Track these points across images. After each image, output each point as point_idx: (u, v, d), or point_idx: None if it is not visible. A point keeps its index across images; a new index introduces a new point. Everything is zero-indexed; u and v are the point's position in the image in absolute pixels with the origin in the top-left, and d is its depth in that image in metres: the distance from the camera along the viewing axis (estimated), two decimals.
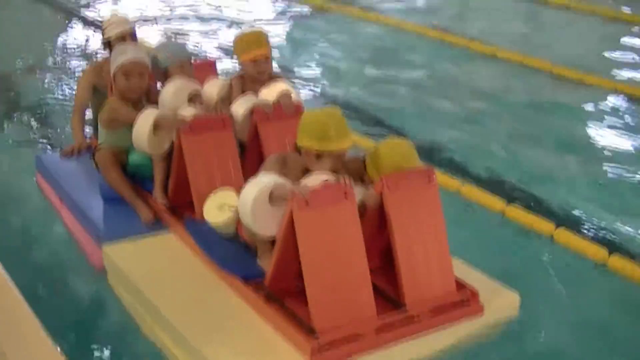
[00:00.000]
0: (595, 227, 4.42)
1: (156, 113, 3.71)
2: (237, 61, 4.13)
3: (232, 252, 3.33)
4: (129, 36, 4.89)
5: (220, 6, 10.16)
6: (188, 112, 3.80)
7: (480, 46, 8.25)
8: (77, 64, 7.50)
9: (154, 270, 3.47)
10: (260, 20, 9.47)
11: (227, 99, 4.08)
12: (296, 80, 6.89)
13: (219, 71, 4.79)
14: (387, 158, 3.17)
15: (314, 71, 7.57)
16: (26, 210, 4.44)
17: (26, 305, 2.71)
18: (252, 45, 4.00)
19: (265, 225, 3.06)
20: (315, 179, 3.06)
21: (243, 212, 3.09)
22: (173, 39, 4.16)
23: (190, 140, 3.62)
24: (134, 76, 3.87)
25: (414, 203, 3.13)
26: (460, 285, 3.21)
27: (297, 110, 3.89)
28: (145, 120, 3.69)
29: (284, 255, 3.02)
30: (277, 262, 3.04)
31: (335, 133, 3.14)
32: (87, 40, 8.46)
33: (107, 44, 4.94)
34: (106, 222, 3.84)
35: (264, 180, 3.06)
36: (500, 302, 3.30)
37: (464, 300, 3.19)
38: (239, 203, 3.14)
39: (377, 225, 3.14)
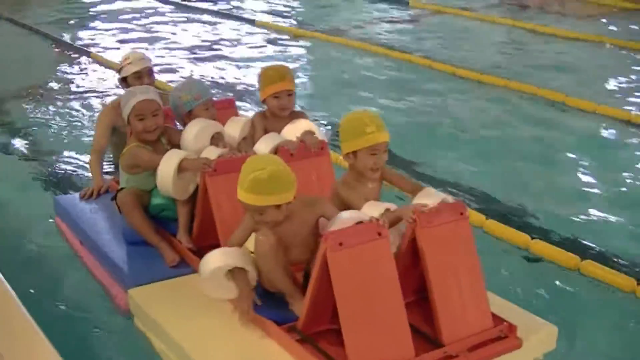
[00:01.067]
0: (621, 257, 4.38)
1: (180, 155, 3.68)
2: (259, 98, 4.11)
3: (260, 295, 3.27)
4: (146, 74, 4.89)
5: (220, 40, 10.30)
6: (212, 153, 3.77)
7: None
8: (92, 103, 7.56)
9: (182, 313, 3.40)
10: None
11: (249, 137, 4.06)
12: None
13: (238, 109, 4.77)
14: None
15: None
16: (46, 253, 4.39)
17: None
18: (275, 79, 3.99)
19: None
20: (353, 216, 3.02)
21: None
22: (194, 78, 4.09)
23: (215, 181, 3.58)
24: (147, 117, 3.85)
25: (448, 238, 3.08)
26: (497, 320, 3.16)
27: (322, 147, 3.87)
28: (169, 163, 3.66)
29: (318, 297, 2.97)
30: (310, 304, 2.99)
31: (376, 127, 3.25)
32: (98, 80, 8.52)
33: (124, 82, 4.95)
34: (130, 265, 3.79)
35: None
36: (539, 336, 3.24)
37: (502, 336, 3.13)
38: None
39: (410, 261, 3.10)
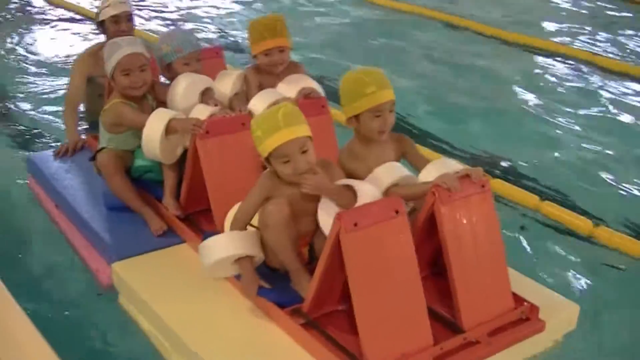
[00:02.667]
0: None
1: (168, 115, 3.32)
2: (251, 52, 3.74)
3: (263, 274, 2.96)
4: (125, 19, 4.51)
5: None
6: (202, 112, 3.41)
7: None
8: (65, 50, 7.02)
9: (172, 290, 3.11)
10: None
11: (242, 93, 3.71)
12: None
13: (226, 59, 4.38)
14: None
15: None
16: (18, 218, 4.02)
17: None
18: (264, 34, 3.61)
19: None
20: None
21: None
22: (178, 27, 3.67)
23: (206, 144, 3.24)
24: (134, 72, 3.46)
25: (469, 214, 2.80)
26: (518, 300, 2.90)
27: (323, 105, 3.53)
28: (156, 124, 3.30)
29: (327, 279, 2.69)
30: (318, 287, 2.70)
31: (377, 85, 2.90)
32: (71, 23, 7.95)
33: (101, 26, 4.55)
34: (113, 235, 3.46)
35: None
36: (560, 316, 3.01)
37: (524, 318, 2.88)
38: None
39: (426, 235, 2.82)
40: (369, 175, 2.94)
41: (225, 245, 2.86)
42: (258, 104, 3.47)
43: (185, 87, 3.49)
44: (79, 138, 4.31)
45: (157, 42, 3.73)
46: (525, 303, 2.90)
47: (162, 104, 3.62)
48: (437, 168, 2.93)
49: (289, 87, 3.61)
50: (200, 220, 3.46)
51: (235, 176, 3.29)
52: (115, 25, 4.52)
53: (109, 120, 3.55)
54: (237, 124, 3.32)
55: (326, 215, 2.70)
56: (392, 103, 2.94)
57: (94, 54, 4.67)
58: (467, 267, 2.77)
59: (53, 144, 4.75)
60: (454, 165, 2.96)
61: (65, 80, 5.58)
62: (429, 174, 2.93)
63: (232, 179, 3.28)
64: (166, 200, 3.51)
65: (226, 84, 3.65)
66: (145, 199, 3.57)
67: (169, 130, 3.30)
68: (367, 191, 2.76)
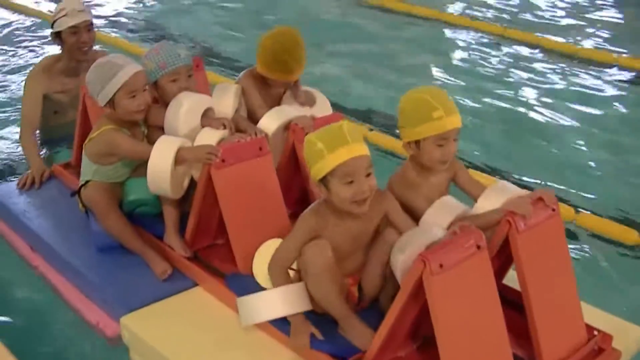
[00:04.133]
0: None
1: (176, 144, 2.90)
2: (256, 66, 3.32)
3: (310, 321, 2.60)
4: (85, 29, 4.05)
5: None
6: (211, 137, 3.01)
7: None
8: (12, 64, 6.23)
9: (195, 344, 2.70)
10: None
11: (240, 108, 3.31)
12: None
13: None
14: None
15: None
16: None
17: None
18: (283, 70, 3.22)
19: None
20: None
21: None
22: (164, 42, 3.24)
23: (224, 174, 2.84)
24: (139, 93, 3.02)
25: (544, 242, 2.52)
26: (589, 329, 2.65)
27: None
28: (164, 154, 2.87)
29: (399, 326, 2.35)
30: (389, 332, 2.36)
31: (444, 110, 2.59)
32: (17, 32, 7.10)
33: (58, 38, 4.07)
34: (114, 283, 3.01)
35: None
36: (628, 341, 2.77)
37: (599, 348, 2.64)
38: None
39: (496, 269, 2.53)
40: (424, 217, 2.62)
41: (274, 305, 2.52)
42: (271, 123, 3.10)
43: (187, 109, 3.07)
44: (43, 166, 3.80)
45: (141, 59, 3.28)
46: (596, 332, 2.65)
47: (155, 128, 3.19)
48: (499, 193, 2.64)
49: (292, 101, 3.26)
50: (209, 257, 3.06)
51: (256, 208, 2.92)
52: (74, 36, 4.08)
53: (97, 150, 3.09)
54: (254, 149, 2.94)
55: (401, 254, 2.36)
56: (458, 131, 2.63)
57: (48, 69, 4.19)
58: (545, 301, 2.50)
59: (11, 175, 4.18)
60: (515, 189, 2.67)
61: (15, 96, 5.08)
62: (489, 201, 2.64)
63: (252, 212, 2.90)
64: (170, 239, 3.08)
65: (226, 102, 3.23)
66: (142, 236, 3.13)
67: (177, 160, 2.89)
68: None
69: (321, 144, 2.41)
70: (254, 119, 3.25)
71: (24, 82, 4.30)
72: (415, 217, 2.65)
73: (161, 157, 2.86)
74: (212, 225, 3.09)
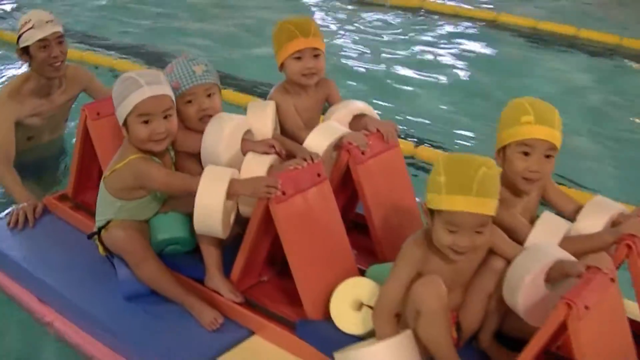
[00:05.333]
0: None
1: (227, 176, 2.50)
2: (277, 63, 2.97)
3: None
4: (56, 43, 3.58)
5: None
6: (259, 164, 2.64)
7: None
8: None
9: None
10: None
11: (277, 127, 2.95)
12: None
13: None
14: None
15: None
16: None
17: None
18: (295, 32, 2.86)
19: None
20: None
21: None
22: (181, 57, 2.80)
23: (284, 208, 2.48)
24: (156, 119, 2.61)
25: None
26: None
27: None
28: (215, 189, 2.47)
29: None
30: None
31: (536, 117, 2.34)
32: None
33: (26, 54, 3.59)
34: (156, 340, 2.58)
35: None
36: None
37: None
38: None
39: None
40: (530, 239, 2.34)
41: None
42: (321, 141, 2.76)
43: (229, 134, 2.68)
44: (35, 200, 3.32)
45: None
46: None
47: (184, 154, 2.80)
48: (599, 210, 2.40)
49: (341, 115, 2.91)
50: (261, 299, 2.70)
51: (319, 242, 2.59)
52: (44, 51, 3.60)
53: (122, 184, 2.67)
54: (312, 176, 2.59)
55: (521, 281, 2.10)
56: (550, 147, 2.34)
57: (17, 92, 3.69)
58: None
59: None
60: (615, 205, 2.44)
61: None
62: (590, 219, 2.39)
63: (317, 247, 2.57)
64: (215, 283, 2.69)
65: (264, 121, 2.85)
66: (180, 282, 2.74)
67: (229, 195, 2.50)
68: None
69: (444, 178, 2.12)
70: (291, 137, 2.89)
71: None
72: (512, 238, 2.37)
73: (211, 193, 2.46)
74: (258, 262, 2.74)
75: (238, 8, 7.57)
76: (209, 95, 2.79)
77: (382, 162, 2.82)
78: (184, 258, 2.82)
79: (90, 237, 2.83)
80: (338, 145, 2.78)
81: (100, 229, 2.77)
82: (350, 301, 2.44)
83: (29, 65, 3.70)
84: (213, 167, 2.54)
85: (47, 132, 3.94)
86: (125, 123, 2.63)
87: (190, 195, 2.58)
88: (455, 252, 2.17)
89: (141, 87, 2.58)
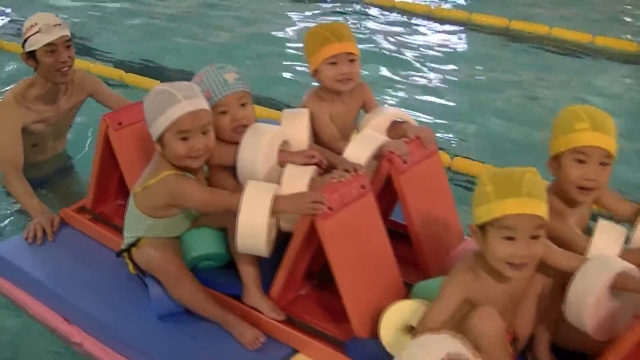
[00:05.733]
0: None
1: (269, 193, 2.39)
2: (310, 69, 2.86)
3: None
4: (64, 47, 3.44)
5: None
6: (300, 177, 2.53)
7: None
8: None
9: None
10: None
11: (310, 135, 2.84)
12: None
13: None
14: None
15: None
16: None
17: None
18: (329, 37, 2.75)
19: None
20: None
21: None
22: (212, 65, 2.67)
23: (331, 225, 2.37)
24: (194, 136, 2.48)
25: None
26: None
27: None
28: (259, 206, 2.35)
29: None
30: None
31: (591, 123, 2.28)
32: None
33: (32, 59, 3.44)
34: None
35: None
36: None
37: None
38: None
39: None
40: (591, 251, 2.26)
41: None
42: (362, 151, 2.65)
43: (267, 146, 2.56)
44: (52, 212, 3.18)
45: None
46: None
47: (217, 168, 2.68)
48: None
49: (378, 122, 2.81)
50: (302, 316, 2.60)
51: (366, 258, 2.48)
52: (51, 56, 3.46)
53: (155, 202, 2.55)
54: (357, 189, 2.48)
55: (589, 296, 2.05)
56: (606, 154, 2.26)
57: (22, 97, 3.54)
58: None
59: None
60: None
61: None
62: None
63: (363, 263, 2.47)
64: (255, 300, 2.59)
65: (301, 130, 2.73)
66: (216, 299, 2.62)
67: (273, 213, 2.38)
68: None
69: (490, 187, 2.05)
70: (327, 147, 2.78)
71: None
72: (568, 250, 2.29)
73: (255, 212, 2.35)
74: (298, 277, 2.65)
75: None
76: (242, 105, 2.66)
77: (423, 170, 2.73)
78: (218, 273, 2.71)
79: (119, 254, 2.70)
80: (378, 155, 2.67)
81: (130, 246, 2.64)
82: (400, 325, 2.34)
83: (35, 70, 3.55)
84: (254, 184, 2.42)
85: (51, 139, 3.80)
86: (160, 138, 2.49)
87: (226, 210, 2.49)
88: (512, 266, 2.08)
89: (179, 102, 2.43)
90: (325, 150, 2.72)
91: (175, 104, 2.43)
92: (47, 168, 3.83)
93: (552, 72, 5.77)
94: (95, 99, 3.84)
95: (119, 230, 2.96)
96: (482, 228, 2.10)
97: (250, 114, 2.67)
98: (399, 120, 2.83)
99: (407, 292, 2.55)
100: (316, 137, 2.82)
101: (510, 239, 2.04)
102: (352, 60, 2.78)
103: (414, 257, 2.73)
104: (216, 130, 2.62)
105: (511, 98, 5.24)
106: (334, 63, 2.75)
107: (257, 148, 2.54)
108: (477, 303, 2.15)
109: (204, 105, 2.49)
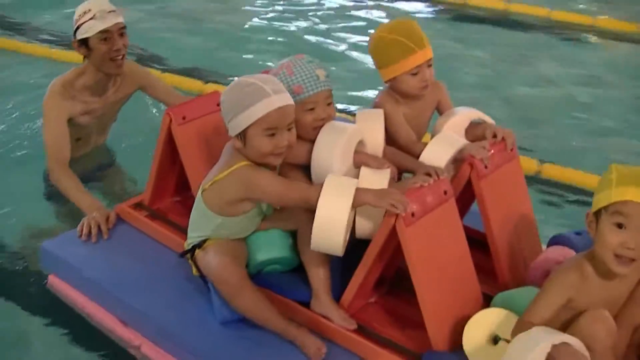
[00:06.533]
0: None
1: (352, 185, 2.25)
2: (382, 76, 2.72)
3: None
4: (118, 34, 3.33)
5: None
6: (378, 180, 2.39)
7: None
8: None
9: None
10: None
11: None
12: None
13: None
14: None
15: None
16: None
17: None
18: (409, 47, 2.60)
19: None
20: None
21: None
22: (296, 57, 2.54)
23: (413, 231, 2.24)
24: (281, 132, 2.34)
25: None
26: None
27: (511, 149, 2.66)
28: (339, 200, 2.20)
29: None
30: None
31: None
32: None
33: (84, 46, 3.33)
34: None
35: None
36: None
37: None
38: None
39: None
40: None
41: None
42: (441, 154, 2.51)
43: (344, 145, 2.43)
44: (106, 208, 3.06)
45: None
46: None
47: (289, 165, 2.54)
48: None
49: (456, 124, 2.67)
50: (372, 324, 2.47)
51: (446, 268, 2.35)
52: (105, 44, 3.34)
53: (229, 195, 2.40)
54: (439, 194, 2.35)
55: None
56: None
57: (70, 85, 3.42)
58: None
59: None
60: None
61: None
62: None
63: (443, 273, 2.33)
64: (325, 308, 2.46)
65: (376, 131, 2.59)
66: (275, 303, 2.49)
67: (354, 204, 2.24)
68: None
69: (615, 175, 2.00)
70: (404, 150, 2.65)
71: (41, 105, 3.46)
72: None
73: (336, 202, 2.20)
74: (370, 284, 2.51)
75: None
76: (328, 104, 2.53)
77: (503, 175, 2.59)
78: (285, 278, 2.58)
79: (182, 255, 2.58)
80: (457, 158, 2.53)
81: (194, 247, 2.52)
82: (486, 335, 2.21)
83: (86, 58, 3.43)
84: (335, 177, 2.28)
85: (94, 133, 3.67)
86: (242, 133, 2.35)
87: (298, 209, 2.38)
88: (620, 260, 1.98)
89: (269, 97, 2.29)
90: (401, 153, 2.60)
91: (265, 98, 2.29)
92: (89, 163, 3.69)
93: None
94: (146, 92, 3.71)
95: (177, 228, 2.88)
96: (597, 216, 2.02)
97: (333, 113, 2.54)
98: (477, 120, 2.69)
99: (485, 303, 2.41)
100: (391, 140, 2.68)
101: (621, 226, 1.96)
102: (430, 65, 2.65)
103: (490, 266, 2.59)
104: (296, 126, 2.46)
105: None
106: (416, 73, 2.62)
107: (333, 146, 2.41)
108: (579, 306, 2.06)
109: (290, 100, 2.35)
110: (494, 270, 2.58)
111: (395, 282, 2.62)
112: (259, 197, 2.39)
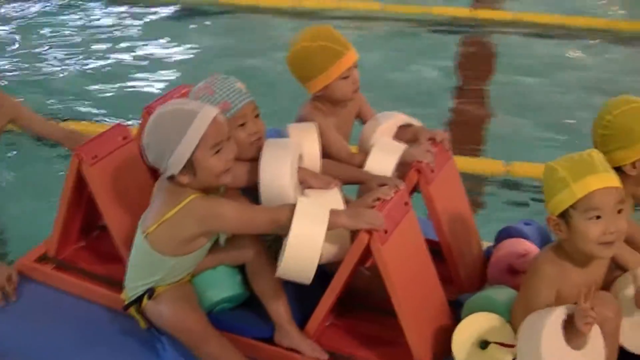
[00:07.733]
0: None
1: (324, 208, 2.10)
2: (309, 88, 2.58)
3: None
4: None
5: None
6: (333, 198, 2.26)
7: None
8: None
9: None
10: None
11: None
12: None
13: None
14: None
15: None
16: None
17: None
18: (338, 51, 2.49)
19: None
20: None
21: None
22: (215, 75, 2.31)
23: (388, 249, 2.15)
24: (225, 144, 2.14)
25: None
26: None
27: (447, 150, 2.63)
28: (315, 227, 2.05)
29: None
30: None
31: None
32: None
33: None
34: None
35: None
36: None
37: None
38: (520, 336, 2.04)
39: None
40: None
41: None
42: (388, 162, 2.42)
43: (292, 162, 2.27)
44: (6, 265, 2.69)
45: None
46: None
47: (233, 190, 2.34)
48: None
49: (386, 128, 2.60)
50: (340, 348, 2.36)
51: (416, 277, 2.29)
52: None
53: (181, 233, 2.14)
54: (401, 206, 2.27)
55: None
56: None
57: None
58: None
59: None
60: None
61: None
62: None
63: (415, 283, 2.27)
64: (293, 341, 2.31)
65: (312, 143, 2.44)
66: (236, 343, 2.31)
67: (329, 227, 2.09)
68: None
69: (564, 172, 1.98)
70: (338, 161, 2.54)
71: None
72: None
73: (312, 230, 2.04)
74: (331, 308, 2.38)
75: None
76: (256, 116, 2.36)
77: (446, 176, 2.56)
78: (239, 315, 2.41)
79: (126, 308, 2.30)
80: (401, 163, 2.47)
81: (141, 299, 2.26)
82: (474, 341, 2.17)
83: None
84: (304, 199, 2.12)
85: None
86: (187, 165, 2.09)
87: (247, 243, 2.26)
88: (605, 245, 1.98)
89: (198, 113, 2.07)
90: (342, 165, 2.49)
91: (196, 116, 2.06)
92: None
93: None
94: (17, 126, 3.26)
95: (96, 277, 2.61)
96: (563, 217, 2.00)
97: (263, 126, 2.37)
98: (408, 124, 2.64)
99: (450, 309, 2.39)
100: (325, 153, 2.55)
101: (598, 217, 1.96)
102: (356, 66, 2.56)
103: (443, 271, 2.55)
104: None
105: None
106: (347, 77, 2.51)
107: (283, 165, 2.24)
108: (564, 295, 2.05)
109: (216, 109, 2.16)
110: (448, 275, 2.54)
111: (344, 301, 2.52)
112: (219, 228, 2.19)
